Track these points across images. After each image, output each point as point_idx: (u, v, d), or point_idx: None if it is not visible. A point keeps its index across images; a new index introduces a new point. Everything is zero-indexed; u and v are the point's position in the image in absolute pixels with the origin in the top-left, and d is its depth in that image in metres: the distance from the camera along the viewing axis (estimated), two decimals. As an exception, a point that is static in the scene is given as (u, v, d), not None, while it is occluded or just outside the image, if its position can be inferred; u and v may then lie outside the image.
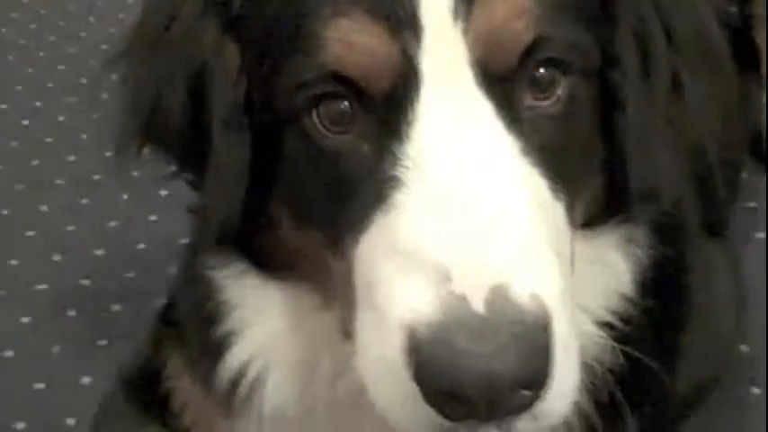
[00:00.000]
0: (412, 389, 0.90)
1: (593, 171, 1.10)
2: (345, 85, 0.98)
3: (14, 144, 2.42)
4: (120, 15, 2.86)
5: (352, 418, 1.16)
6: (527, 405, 0.90)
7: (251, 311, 1.18)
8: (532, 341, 0.88)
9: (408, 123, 0.97)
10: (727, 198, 1.70)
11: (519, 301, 0.89)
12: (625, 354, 1.12)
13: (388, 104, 0.98)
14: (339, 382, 1.15)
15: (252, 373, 1.19)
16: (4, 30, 2.93)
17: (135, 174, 1.23)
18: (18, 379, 1.77)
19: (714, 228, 1.55)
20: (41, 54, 2.80)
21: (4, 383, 1.76)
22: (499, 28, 0.97)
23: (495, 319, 0.88)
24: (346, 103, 0.99)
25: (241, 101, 1.07)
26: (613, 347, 1.12)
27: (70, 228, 2.13)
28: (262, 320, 1.18)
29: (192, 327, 1.28)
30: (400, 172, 0.95)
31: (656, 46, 1.09)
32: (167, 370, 1.36)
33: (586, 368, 1.06)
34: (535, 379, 0.89)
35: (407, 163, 0.96)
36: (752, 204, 2.02)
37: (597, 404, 1.15)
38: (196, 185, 1.17)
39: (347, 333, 1.01)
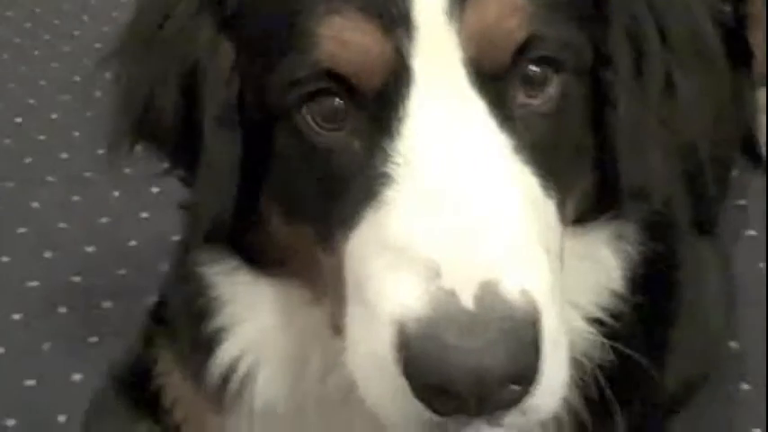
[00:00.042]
0: (401, 384, 0.90)
1: (584, 169, 1.10)
2: (338, 82, 0.99)
3: (7, 141, 2.42)
4: (114, 14, 2.86)
5: (342, 414, 1.16)
6: (516, 400, 0.90)
7: (242, 308, 1.18)
8: (522, 337, 0.89)
9: (399, 120, 0.97)
10: (717, 196, 1.71)
11: (508, 297, 0.89)
12: (615, 350, 1.12)
13: (379, 102, 0.98)
14: (329, 378, 1.15)
15: (243, 368, 1.19)
16: (-2, 28, 2.94)
17: (127, 171, 1.23)
18: (9, 376, 1.77)
19: (704, 225, 1.55)
20: (36, 52, 2.80)
21: (-6, 380, 1.76)
22: (492, 26, 0.97)
23: (484, 314, 0.88)
24: (339, 100, 0.99)
25: (234, 99, 1.07)
26: (603, 343, 1.12)
27: (62, 225, 2.13)
28: (253, 316, 1.18)
29: (183, 323, 1.28)
30: (391, 169, 0.96)
31: (650, 45, 1.09)
32: (158, 366, 1.36)
33: (576, 364, 1.07)
34: (524, 374, 0.89)
35: (398, 160, 0.96)
36: (742, 202, 2.03)
37: (586, 400, 1.16)
38: (188, 182, 1.17)
39: (337, 329, 1.01)
